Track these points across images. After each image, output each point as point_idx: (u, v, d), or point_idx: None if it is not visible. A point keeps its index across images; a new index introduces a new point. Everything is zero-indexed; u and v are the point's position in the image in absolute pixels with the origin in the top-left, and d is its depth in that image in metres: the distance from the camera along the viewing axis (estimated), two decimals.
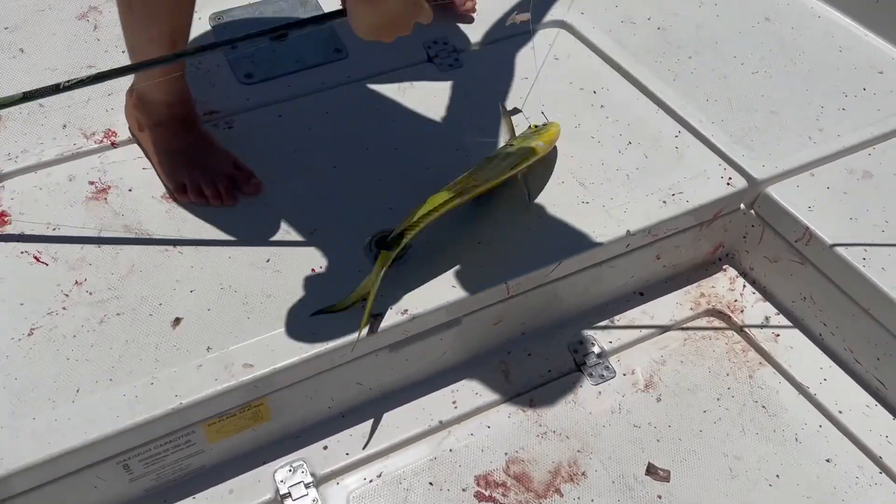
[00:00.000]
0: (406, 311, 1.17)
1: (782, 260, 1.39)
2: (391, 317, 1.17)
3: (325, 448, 1.21)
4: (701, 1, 1.69)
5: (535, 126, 1.40)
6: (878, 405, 1.29)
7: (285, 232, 1.27)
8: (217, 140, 1.33)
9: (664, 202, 1.34)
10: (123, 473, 1.10)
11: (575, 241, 1.28)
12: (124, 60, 1.35)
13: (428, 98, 1.50)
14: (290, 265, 1.23)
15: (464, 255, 1.25)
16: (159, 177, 1.32)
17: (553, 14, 1.64)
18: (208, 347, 1.13)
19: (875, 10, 1.62)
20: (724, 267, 1.48)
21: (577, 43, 1.60)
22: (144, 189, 1.33)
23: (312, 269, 1.22)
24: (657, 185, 1.36)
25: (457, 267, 1.23)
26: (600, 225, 1.30)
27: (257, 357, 1.12)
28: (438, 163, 1.38)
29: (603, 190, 1.35)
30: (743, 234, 1.44)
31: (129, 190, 1.32)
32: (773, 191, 1.37)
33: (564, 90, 1.52)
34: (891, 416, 1.27)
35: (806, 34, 1.63)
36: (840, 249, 1.28)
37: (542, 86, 1.51)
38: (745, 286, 1.45)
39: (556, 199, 1.33)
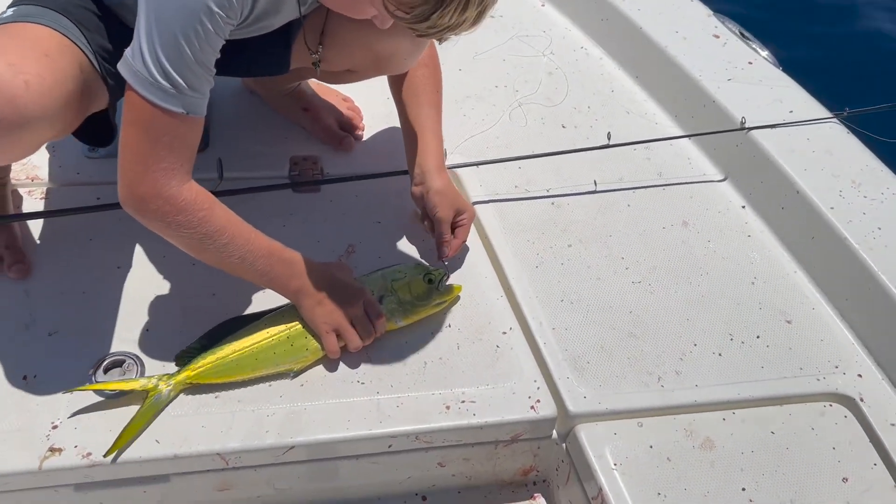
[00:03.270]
0: (89, 454, 1.04)
1: None
2: (70, 456, 1.04)
3: None
4: (619, 181, 1.50)
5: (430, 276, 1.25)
6: None
7: (23, 325, 1.16)
8: (8, 208, 1.26)
9: (447, 408, 1.14)
10: None
11: (327, 425, 1.11)
12: None
13: (284, 220, 1.38)
14: (7, 363, 1.12)
15: (189, 408, 1.11)
16: None
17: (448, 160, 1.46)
18: None
19: (810, 245, 1.38)
20: (535, 495, 1.26)
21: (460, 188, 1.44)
22: None
23: (25, 377, 1.11)
24: (450, 385, 1.17)
25: (169, 418, 1.09)
26: (362, 414, 1.13)
27: None
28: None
29: (386, 374, 1.17)
30: (555, 466, 1.22)
31: None
32: (584, 432, 1.14)
33: (416, 238, 1.36)
34: None
35: (722, 251, 1.40)
36: None
37: (393, 230, 1.37)
38: None
39: (326, 377, 1.16)
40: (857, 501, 1.11)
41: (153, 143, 0.99)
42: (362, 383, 1.17)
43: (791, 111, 1.51)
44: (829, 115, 1.51)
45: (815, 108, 1.52)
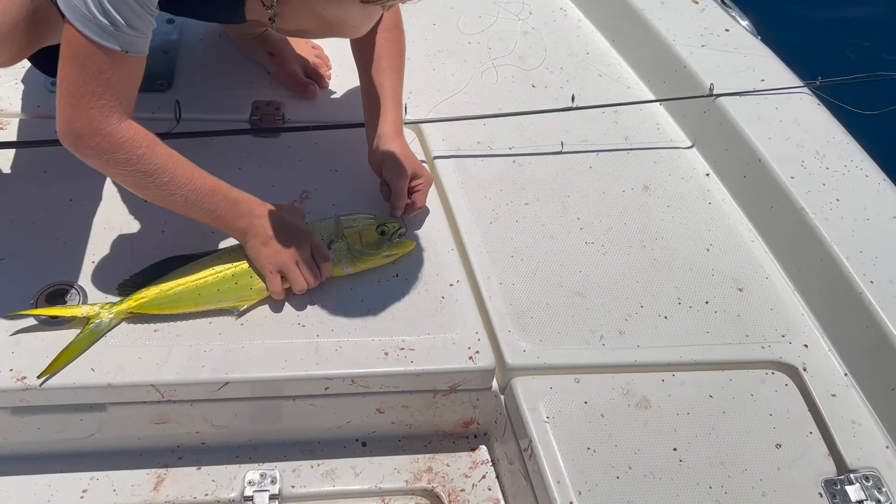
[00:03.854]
0: (24, 377, 1.06)
1: (515, 465, 1.17)
2: (5, 378, 1.05)
3: None
4: (584, 143, 1.48)
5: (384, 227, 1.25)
6: None
7: None
8: None
9: (385, 353, 1.15)
10: None
11: (263, 363, 1.12)
12: None
13: (241, 162, 1.38)
14: None
15: (126, 339, 1.12)
16: None
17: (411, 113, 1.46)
18: None
19: (769, 214, 1.37)
20: (478, 447, 1.26)
21: (416, 143, 1.44)
22: None
23: None
24: (391, 332, 1.17)
25: (106, 348, 1.10)
26: (300, 356, 1.13)
27: None
28: None
29: (328, 318, 1.18)
30: (494, 419, 1.23)
31: None
32: (519, 384, 1.15)
33: (373, 189, 1.35)
34: None
35: (681, 217, 1.39)
36: (551, 480, 1.06)
37: (349, 179, 1.36)
38: (485, 477, 1.23)
39: (268, 318, 1.18)
40: (789, 467, 1.12)
41: (90, 80, 0.99)
42: (303, 326, 1.17)
43: (763, 80, 1.49)
44: (801, 84, 1.49)
45: (788, 78, 1.50)
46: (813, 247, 1.28)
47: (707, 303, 1.28)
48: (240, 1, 1.20)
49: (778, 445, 1.13)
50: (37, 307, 1.13)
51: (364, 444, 1.25)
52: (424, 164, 1.41)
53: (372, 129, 1.32)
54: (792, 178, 1.34)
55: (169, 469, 1.17)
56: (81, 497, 1.13)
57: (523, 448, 1.13)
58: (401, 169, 1.28)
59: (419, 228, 1.32)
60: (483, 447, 1.27)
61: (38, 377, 1.05)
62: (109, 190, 1.29)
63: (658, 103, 1.54)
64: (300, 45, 1.51)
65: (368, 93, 1.33)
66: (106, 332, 1.11)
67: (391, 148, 1.29)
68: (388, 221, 1.28)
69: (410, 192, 1.31)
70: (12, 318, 1.10)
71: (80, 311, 1.11)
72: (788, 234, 1.33)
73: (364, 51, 1.33)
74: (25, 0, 1.07)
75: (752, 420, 1.16)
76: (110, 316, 1.11)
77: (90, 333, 1.10)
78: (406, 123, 1.42)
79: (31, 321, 1.11)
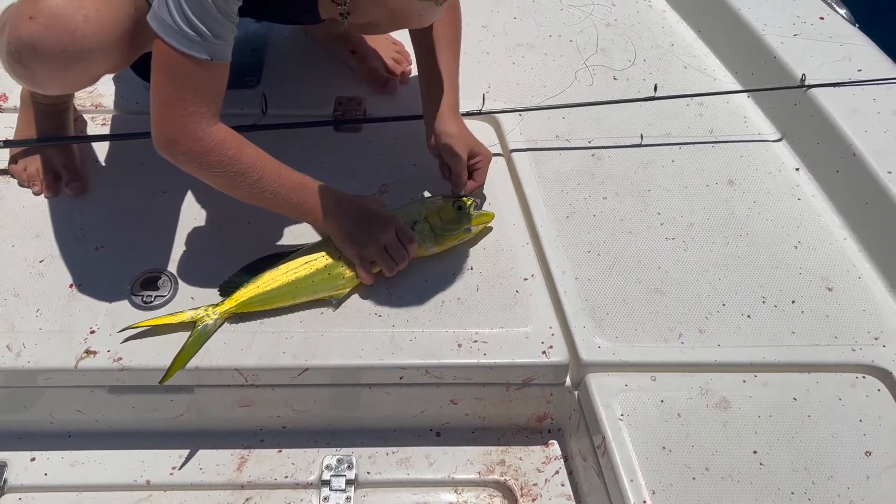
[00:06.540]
0: (119, 358, 1.12)
1: (588, 461, 1.16)
2: (103, 359, 1.12)
3: None
4: (666, 136, 1.45)
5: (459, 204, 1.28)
6: None
7: (74, 239, 1.26)
8: (70, 130, 1.34)
9: (459, 346, 1.16)
10: None
11: (341, 352, 1.15)
12: None
13: (323, 157, 1.42)
14: (57, 271, 1.22)
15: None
16: None
17: (489, 105, 1.46)
18: None
19: (863, 211, 1.30)
20: (550, 442, 1.26)
21: (494, 137, 1.44)
22: None
23: (71, 286, 1.20)
24: (465, 325, 1.18)
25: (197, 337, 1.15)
26: (376, 345, 1.16)
27: None
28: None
29: (404, 309, 1.20)
30: (568, 415, 1.22)
31: None
32: (594, 381, 1.14)
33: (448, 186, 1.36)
34: None
35: (767, 213, 1.34)
36: (625, 479, 1.04)
37: (428, 173, 1.37)
38: (557, 472, 1.22)
39: (347, 307, 1.20)
40: (879, 477, 1.06)
41: (180, 89, 1.04)
42: (380, 316, 1.20)
43: (860, 70, 1.42)
44: None
45: (888, 68, 1.42)
46: None
47: (793, 302, 1.23)
48: (314, 1, 1.24)
49: (868, 453, 1.08)
50: (132, 293, 1.19)
51: (438, 434, 1.26)
52: (501, 156, 1.41)
53: (429, 112, 1.33)
54: (889, 172, 1.27)
55: (252, 450, 1.22)
56: (171, 473, 1.19)
57: (597, 445, 1.12)
58: (458, 148, 1.29)
59: (495, 221, 1.32)
60: (556, 442, 1.26)
61: (160, 383, 1.11)
62: (200, 182, 1.34)
63: (746, 94, 1.49)
64: (381, 42, 1.54)
65: (425, 77, 1.34)
66: (213, 333, 1.16)
67: (448, 128, 1.30)
68: (463, 196, 1.30)
69: (470, 170, 1.31)
70: (125, 330, 1.15)
71: (185, 316, 1.16)
72: (884, 233, 1.26)
73: (420, 33, 1.34)
74: (131, 9, 1.13)
75: (840, 425, 1.11)
76: (215, 317, 1.16)
77: (199, 336, 1.15)
78: (483, 114, 1.43)
79: (126, 305, 1.18)
